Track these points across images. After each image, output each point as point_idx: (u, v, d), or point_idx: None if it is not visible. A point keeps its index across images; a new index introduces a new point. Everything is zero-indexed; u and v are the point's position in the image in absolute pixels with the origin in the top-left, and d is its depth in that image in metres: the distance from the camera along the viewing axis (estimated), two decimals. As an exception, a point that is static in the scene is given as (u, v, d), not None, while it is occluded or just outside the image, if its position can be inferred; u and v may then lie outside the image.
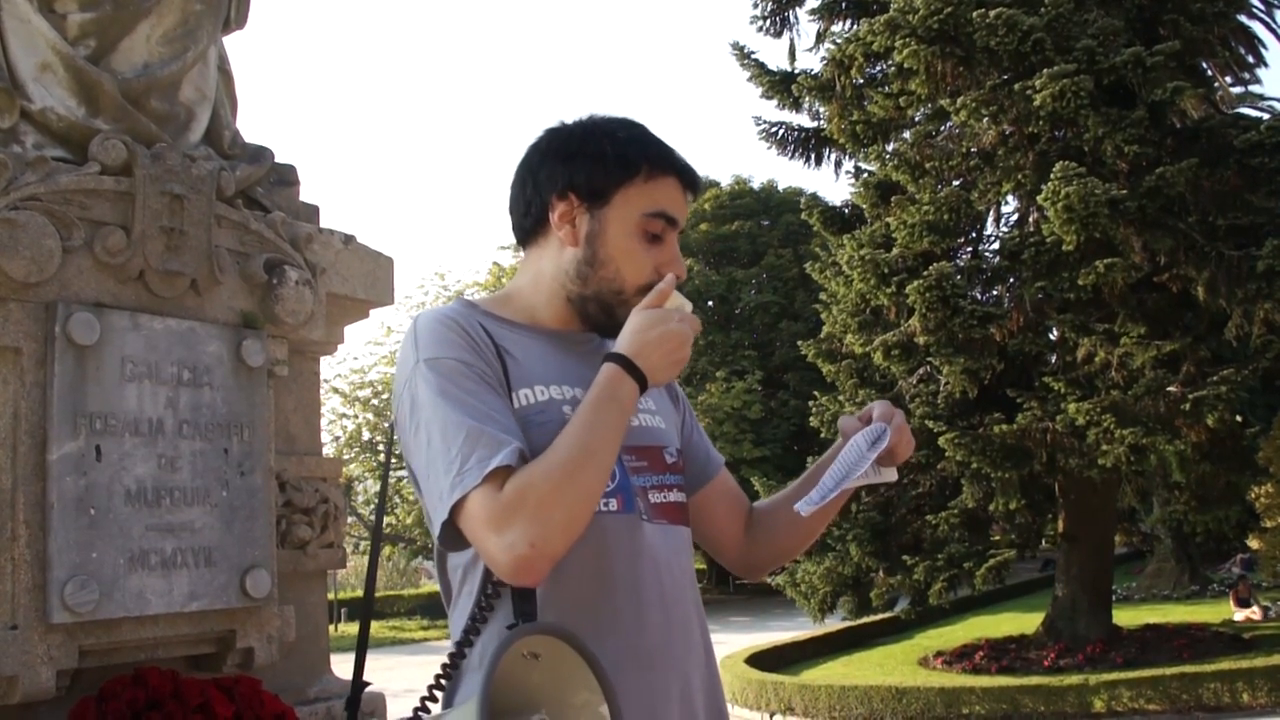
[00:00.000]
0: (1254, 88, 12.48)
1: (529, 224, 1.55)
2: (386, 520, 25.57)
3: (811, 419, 12.19)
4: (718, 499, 1.70)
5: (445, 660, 1.42)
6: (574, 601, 1.39)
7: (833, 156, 13.61)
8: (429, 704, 1.41)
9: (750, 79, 13.35)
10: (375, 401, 27.49)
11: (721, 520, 1.70)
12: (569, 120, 1.56)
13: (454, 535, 1.34)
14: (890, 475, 1.54)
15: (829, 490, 1.48)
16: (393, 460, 1.82)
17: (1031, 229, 11.29)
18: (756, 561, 1.72)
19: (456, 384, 1.37)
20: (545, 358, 1.49)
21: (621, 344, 1.40)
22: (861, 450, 1.50)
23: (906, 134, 12.29)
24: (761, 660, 13.15)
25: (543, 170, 1.52)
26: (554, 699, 1.31)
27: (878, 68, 12.09)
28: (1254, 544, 14.81)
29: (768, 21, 13.57)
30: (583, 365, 1.49)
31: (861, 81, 12.23)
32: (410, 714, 1.40)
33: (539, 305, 1.54)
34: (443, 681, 1.42)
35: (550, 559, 1.29)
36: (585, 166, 1.48)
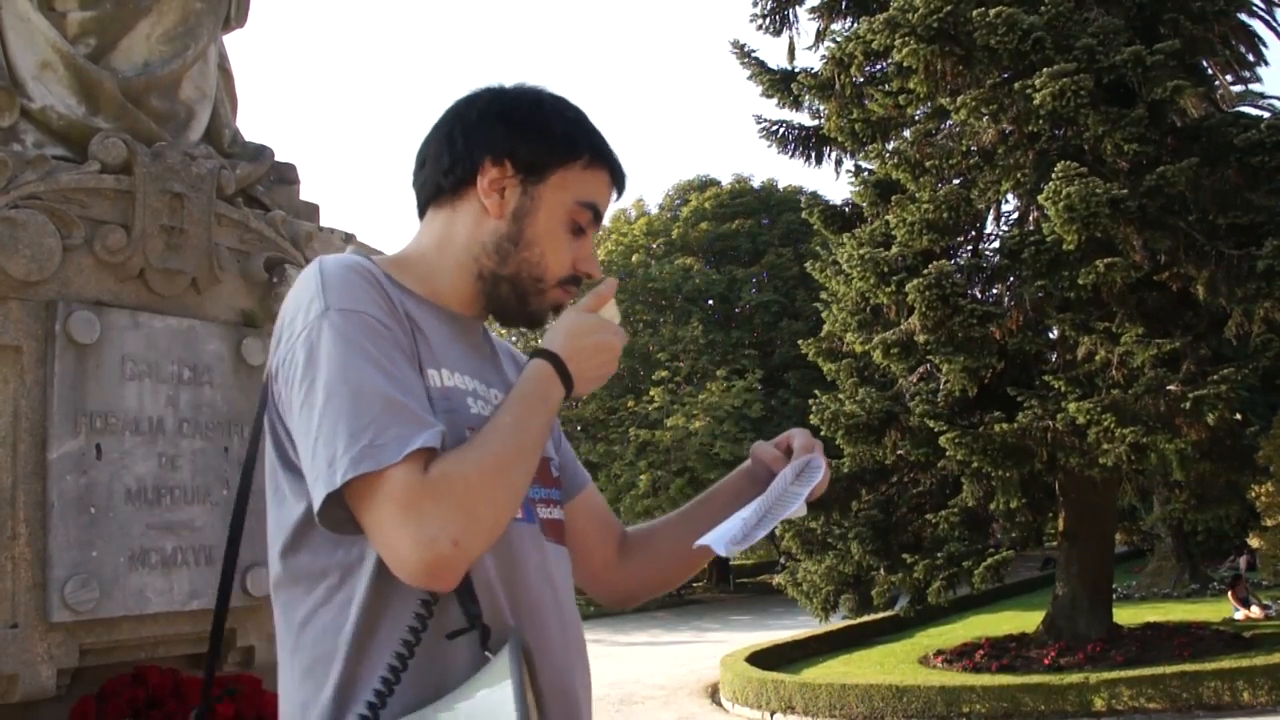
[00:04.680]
0: (1254, 86, 12.45)
1: (448, 183, 1.38)
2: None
3: (812, 417, 12.17)
4: (586, 517, 1.54)
5: (385, 674, 1.17)
6: (494, 617, 1.22)
7: (833, 155, 13.60)
8: None
9: (750, 77, 13.35)
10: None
11: (590, 540, 1.53)
12: (509, 85, 1.43)
13: (339, 515, 1.15)
14: (801, 510, 1.42)
15: (752, 525, 1.34)
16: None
17: (1031, 228, 11.29)
18: (627, 590, 1.57)
19: (375, 345, 1.18)
20: (448, 341, 1.33)
21: (554, 344, 1.29)
22: (788, 484, 1.40)
23: (906, 132, 12.29)
24: (762, 659, 13.14)
25: (480, 129, 1.37)
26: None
27: (878, 66, 12.07)
28: (1254, 543, 14.81)
29: (767, 20, 13.55)
30: (475, 357, 1.38)
31: (861, 80, 12.22)
32: None
33: (440, 276, 1.38)
34: (385, 698, 1.17)
35: (468, 562, 1.14)
36: (530, 137, 1.36)
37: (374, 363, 1.17)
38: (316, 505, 1.14)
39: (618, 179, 1.43)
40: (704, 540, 1.34)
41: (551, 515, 1.39)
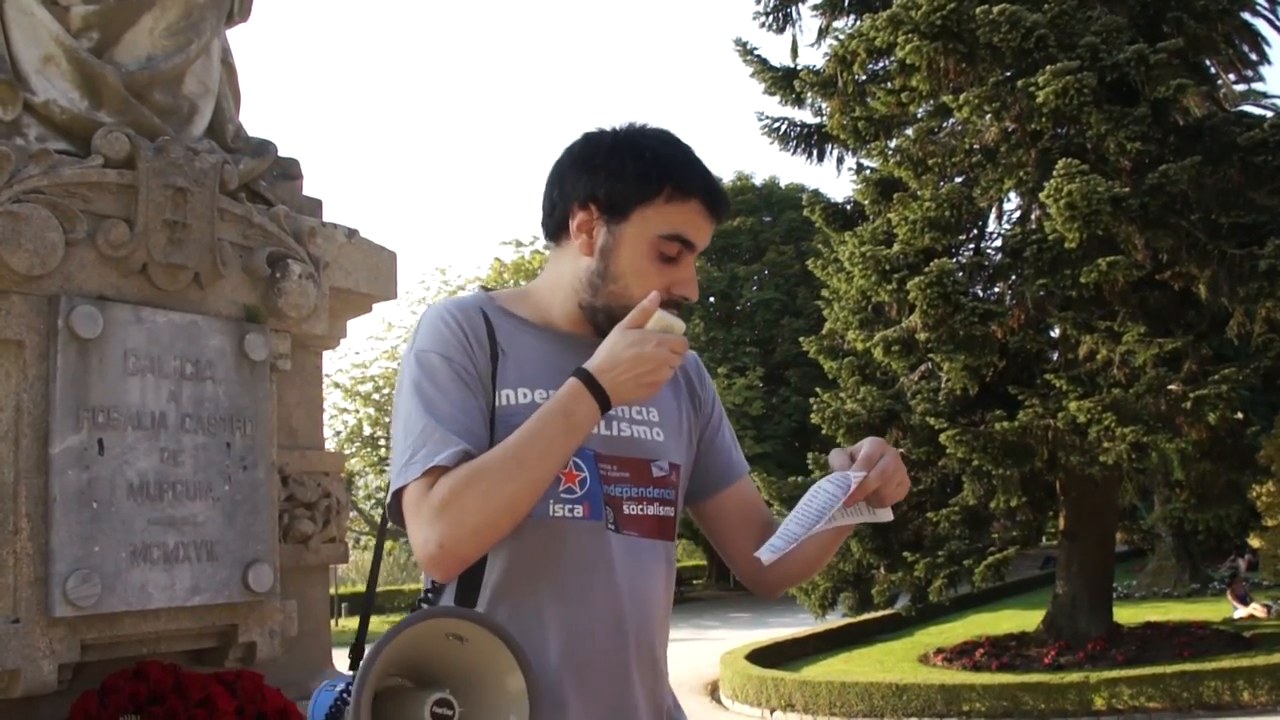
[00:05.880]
0: (1257, 85, 12.50)
1: (551, 225, 1.56)
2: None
3: (813, 415, 12.17)
4: (733, 508, 1.65)
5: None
6: (520, 600, 1.42)
7: (835, 153, 13.58)
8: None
9: (753, 75, 13.33)
10: (376, 396, 27.47)
11: (734, 530, 1.65)
12: (608, 127, 1.55)
13: (400, 516, 1.42)
14: (885, 515, 1.47)
15: (795, 536, 1.39)
16: None
17: (1033, 226, 11.28)
18: (765, 581, 1.66)
19: (431, 379, 1.43)
20: (544, 360, 1.49)
21: (594, 359, 1.39)
22: (832, 495, 1.41)
23: (909, 130, 12.27)
24: (762, 656, 13.15)
25: (569, 176, 1.53)
26: (468, 682, 1.34)
27: (880, 64, 12.06)
28: (1255, 543, 14.81)
29: (770, 17, 13.54)
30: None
31: (864, 77, 12.21)
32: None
33: (553, 305, 1.55)
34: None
35: (459, 560, 1.36)
36: (607, 180, 1.48)
37: (424, 395, 1.41)
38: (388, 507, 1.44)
39: (711, 205, 1.50)
40: (758, 552, 1.41)
41: (643, 512, 1.51)
